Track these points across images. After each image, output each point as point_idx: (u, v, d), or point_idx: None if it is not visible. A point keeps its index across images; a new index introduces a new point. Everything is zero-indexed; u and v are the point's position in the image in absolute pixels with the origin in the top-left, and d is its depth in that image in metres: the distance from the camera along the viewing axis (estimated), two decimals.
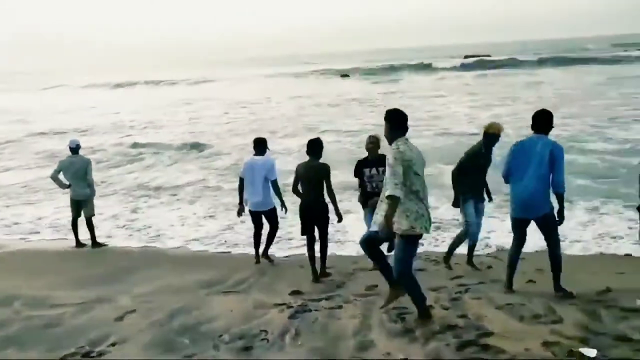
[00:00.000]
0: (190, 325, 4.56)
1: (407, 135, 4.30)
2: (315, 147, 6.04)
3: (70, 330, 4.60)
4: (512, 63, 45.87)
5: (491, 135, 5.77)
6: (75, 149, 7.99)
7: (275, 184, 6.67)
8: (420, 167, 4.20)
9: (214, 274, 6.46)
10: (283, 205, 6.77)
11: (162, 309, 4.98)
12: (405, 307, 4.65)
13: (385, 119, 4.30)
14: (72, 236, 8.08)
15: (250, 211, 6.85)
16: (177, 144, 17.41)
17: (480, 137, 5.95)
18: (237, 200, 6.98)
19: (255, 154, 6.78)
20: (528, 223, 5.00)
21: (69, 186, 7.94)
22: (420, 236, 4.30)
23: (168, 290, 5.80)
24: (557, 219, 4.88)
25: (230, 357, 3.92)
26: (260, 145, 6.82)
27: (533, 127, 4.96)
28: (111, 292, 5.74)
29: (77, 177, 7.87)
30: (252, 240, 7.01)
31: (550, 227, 4.91)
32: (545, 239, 4.97)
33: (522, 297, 4.84)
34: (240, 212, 6.94)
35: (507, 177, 5.07)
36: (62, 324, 4.75)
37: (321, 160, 6.06)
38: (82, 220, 7.99)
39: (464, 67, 46.41)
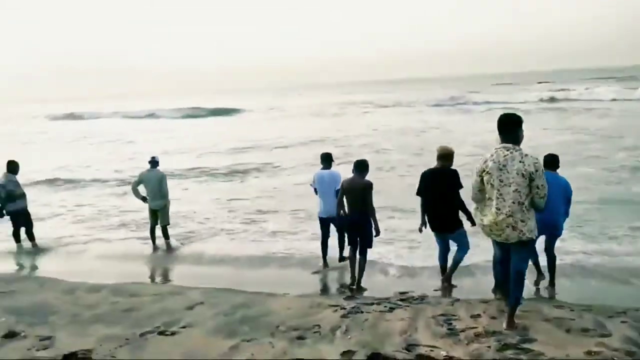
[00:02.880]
0: (251, 317, 5.02)
1: None
2: (359, 165, 6.35)
3: (147, 313, 5.22)
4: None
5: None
6: (154, 163, 8.81)
7: (337, 193, 7.01)
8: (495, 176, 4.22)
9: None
10: (343, 212, 6.95)
11: (226, 303, 5.49)
12: (453, 314, 4.87)
13: None
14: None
15: (320, 218, 7.32)
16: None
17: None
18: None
19: (323, 168, 7.34)
20: None
21: (145, 199, 8.72)
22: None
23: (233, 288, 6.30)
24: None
25: (285, 343, 4.31)
26: (327, 160, 7.40)
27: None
28: (182, 287, 6.34)
29: (153, 189, 8.64)
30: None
31: None
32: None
33: (573, 313, 4.88)
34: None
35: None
36: (141, 309, 5.37)
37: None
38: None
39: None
